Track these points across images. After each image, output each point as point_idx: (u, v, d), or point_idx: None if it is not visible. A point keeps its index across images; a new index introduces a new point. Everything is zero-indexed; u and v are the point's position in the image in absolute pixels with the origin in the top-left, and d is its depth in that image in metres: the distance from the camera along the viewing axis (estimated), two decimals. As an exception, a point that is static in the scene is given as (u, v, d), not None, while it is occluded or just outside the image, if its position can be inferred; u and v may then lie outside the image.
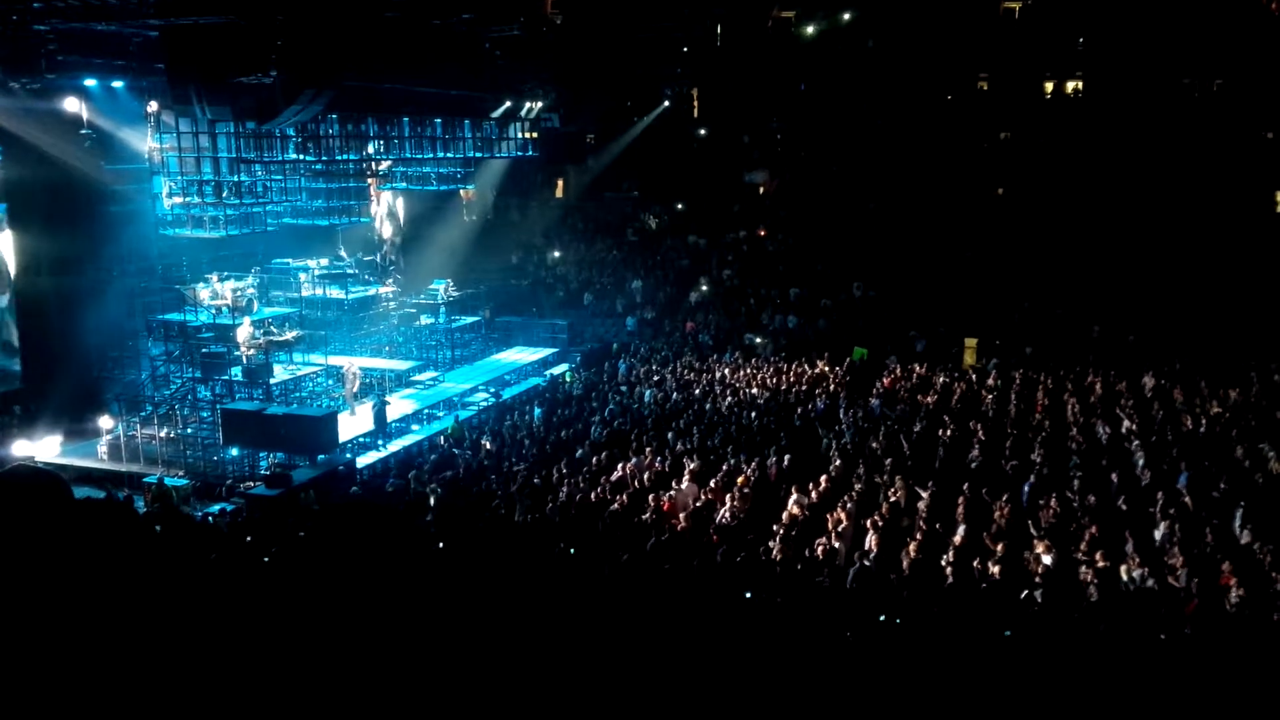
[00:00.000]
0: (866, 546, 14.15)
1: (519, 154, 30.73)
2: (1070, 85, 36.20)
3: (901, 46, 35.42)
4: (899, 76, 35.72)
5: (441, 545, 13.32)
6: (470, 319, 29.57)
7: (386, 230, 31.08)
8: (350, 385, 23.39)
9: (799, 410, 22.05)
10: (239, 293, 23.36)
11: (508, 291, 34.95)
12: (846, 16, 35.99)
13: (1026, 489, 16.59)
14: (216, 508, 18.20)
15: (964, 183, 35.40)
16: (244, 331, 21.84)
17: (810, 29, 36.53)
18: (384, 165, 28.51)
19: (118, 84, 22.06)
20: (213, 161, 22.57)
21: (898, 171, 35.91)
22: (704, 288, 34.40)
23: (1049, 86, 36.33)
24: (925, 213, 34.62)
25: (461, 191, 35.74)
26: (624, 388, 24.60)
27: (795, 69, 37.35)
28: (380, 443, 21.86)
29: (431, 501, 16.73)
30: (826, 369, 26.16)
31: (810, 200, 37.15)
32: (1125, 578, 12.92)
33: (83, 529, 10.59)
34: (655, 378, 25.63)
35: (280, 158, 23.22)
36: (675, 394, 23.80)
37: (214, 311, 22.89)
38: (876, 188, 36.16)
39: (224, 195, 22.71)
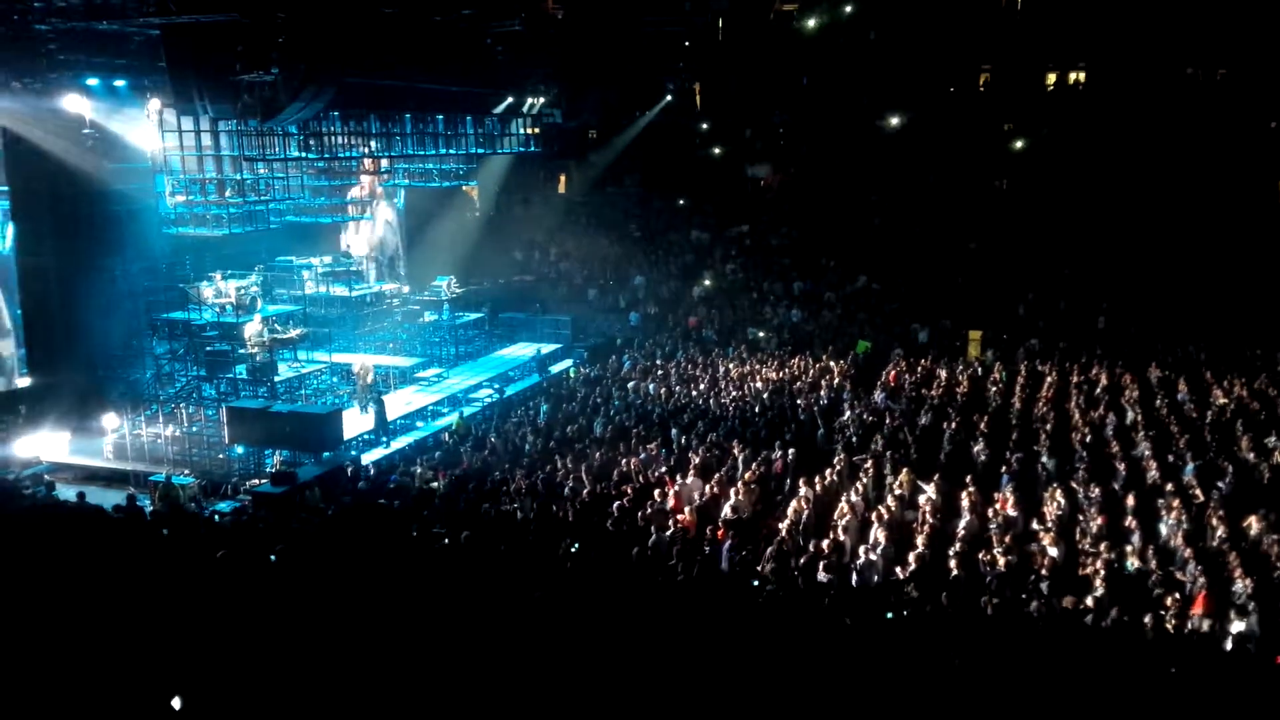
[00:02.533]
0: (872, 540, 14.15)
1: (521, 150, 30.69)
2: (1073, 76, 36.07)
3: (903, 39, 35.30)
4: (901, 69, 35.61)
5: (446, 541, 13.32)
6: (474, 315, 29.58)
7: (387, 230, 31.03)
8: (362, 383, 23.37)
9: (803, 404, 22.04)
10: (243, 291, 23.37)
11: (511, 287, 34.93)
12: (848, 9, 35.88)
13: (1032, 481, 16.60)
14: (225, 505, 18.22)
15: (967, 175, 35.31)
16: (253, 327, 21.88)
17: (812, 22, 36.42)
18: (383, 164, 28.53)
19: (120, 82, 22.04)
20: (215, 160, 22.57)
21: (901, 164, 35.81)
22: (707, 282, 34.36)
23: (1051, 78, 36.20)
24: (929, 205, 34.55)
25: (464, 188, 35.71)
26: (628, 383, 24.59)
27: (797, 62, 37.25)
28: (383, 440, 21.89)
29: (436, 499, 16.75)
30: (831, 363, 26.14)
31: (813, 193, 37.08)
32: (1132, 569, 12.92)
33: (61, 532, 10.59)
34: (659, 373, 25.63)
35: (282, 155, 23.20)
36: (679, 389, 23.80)
37: (218, 310, 22.91)
38: (880, 180, 36.08)
39: (227, 193, 22.71)
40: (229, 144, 22.14)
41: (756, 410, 21.42)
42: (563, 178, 41.61)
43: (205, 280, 23.30)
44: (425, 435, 22.61)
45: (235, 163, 22.35)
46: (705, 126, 39.72)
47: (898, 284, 31.83)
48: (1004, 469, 17.05)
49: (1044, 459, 17.44)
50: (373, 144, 25.69)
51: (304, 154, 23.87)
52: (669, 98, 37.42)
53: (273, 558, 10.83)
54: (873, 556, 13.57)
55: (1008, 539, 13.82)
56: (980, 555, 13.42)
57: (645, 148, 38.24)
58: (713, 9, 36.17)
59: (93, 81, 21.64)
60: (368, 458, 20.77)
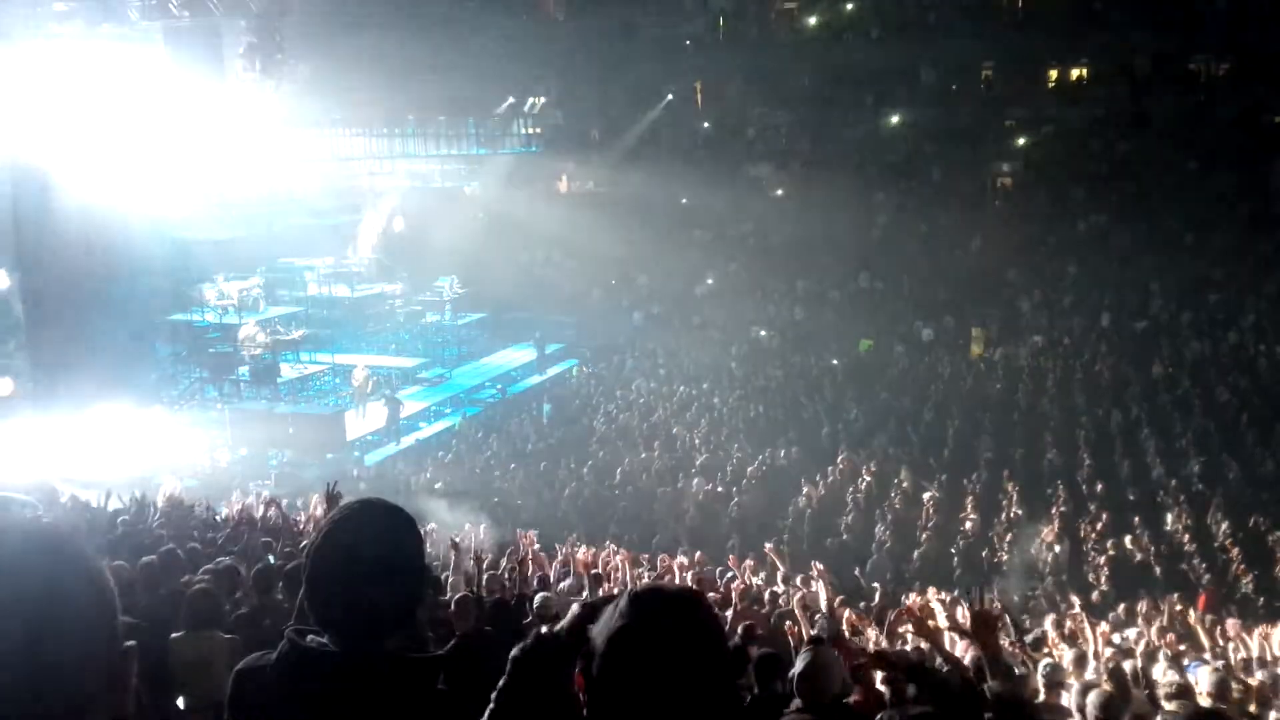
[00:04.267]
0: (878, 538, 14.13)
1: (523, 150, 30.71)
2: (1075, 72, 35.95)
3: (904, 35, 35.21)
4: (902, 66, 35.52)
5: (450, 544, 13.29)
6: (476, 316, 29.55)
7: (398, 225, 31.08)
8: (360, 385, 23.34)
9: (807, 402, 22.01)
10: (245, 292, 23.35)
11: (513, 287, 34.87)
12: (849, 7, 35.83)
13: (1036, 477, 16.56)
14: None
15: (970, 171, 35.21)
16: (247, 331, 21.88)
17: (813, 20, 36.37)
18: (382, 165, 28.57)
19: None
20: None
21: (903, 161, 35.73)
22: (710, 281, 34.30)
23: (1054, 73, 36.08)
24: (931, 202, 34.46)
25: (466, 188, 35.70)
26: (632, 383, 24.58)
27: (799, 61, 37.17)
28: (391, 441, 21.88)
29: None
30: (834, 361, 26.11)
31: (815, 192, 36.99)
32: (1136, 565, 12.89)
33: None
34: (661, 372, 25.61)
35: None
36: (682, 388, 23.78)
37: (221, 311, 22.90)
38: (883, 178, 35.99)
39: (230, 195, 22.68)
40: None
41: (760, 409, 21.39)
42: (564, 177, 41.55)
43: (208, 282, 23.28)
44: (428, 435, 22.59)
45: (238, 164, 22.30)
46: (706, 126, 39.66)
47: (901, 282, 31.77)
48: (1007, 465, 17.01)
49: (1048, 455, 17.40)
50: (375, 144, 25.71)
51: (307, 155, 23.88)
52: (670, 97, 37.37)
53: (272, 560, 10.82)
54: (877, 554, 13.54)
55: (1011, 536, 13.80)
56: (984, 552, 13.40)
57: (647, 147, 38.16)
58: (713, 7, 36.16)
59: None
60: (372, 458, 20.78)
